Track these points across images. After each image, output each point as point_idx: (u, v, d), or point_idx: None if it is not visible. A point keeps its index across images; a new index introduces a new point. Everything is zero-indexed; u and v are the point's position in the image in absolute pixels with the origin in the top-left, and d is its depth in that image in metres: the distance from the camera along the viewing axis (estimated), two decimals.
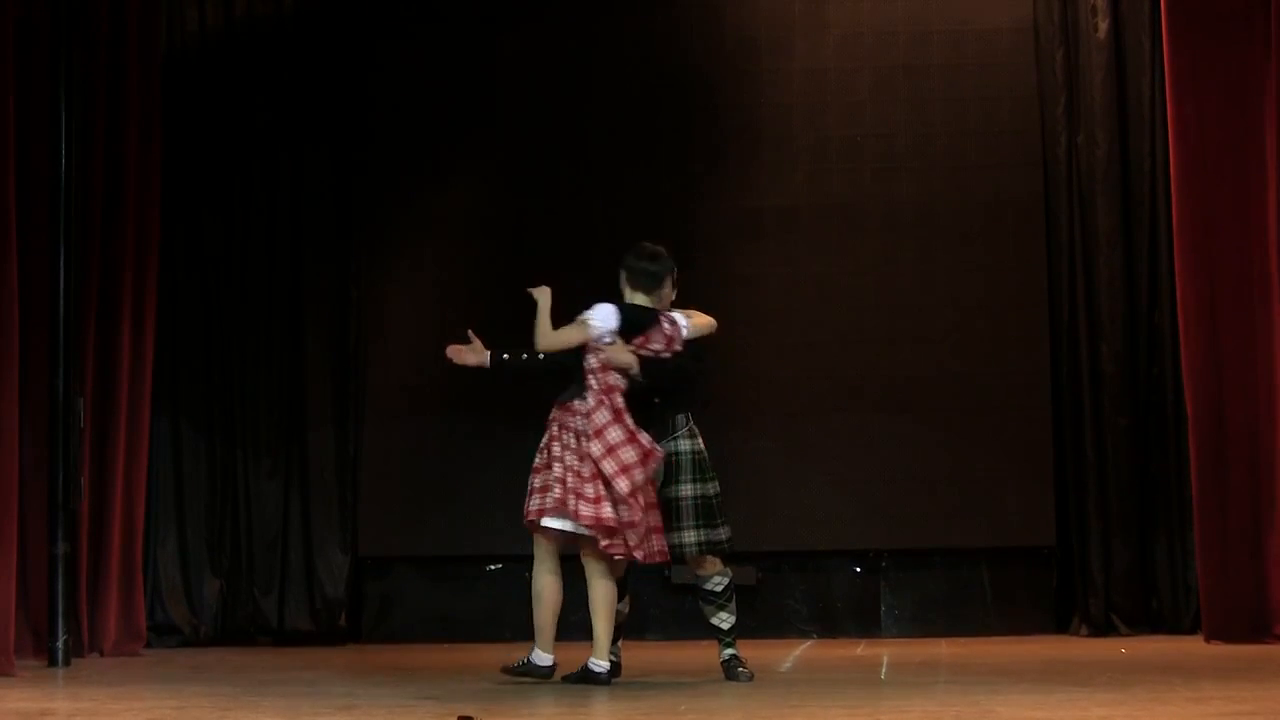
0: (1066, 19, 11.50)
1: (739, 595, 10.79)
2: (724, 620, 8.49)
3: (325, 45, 11.87)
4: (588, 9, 11.82)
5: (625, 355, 8.21)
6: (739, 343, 11.42)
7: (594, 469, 8.02)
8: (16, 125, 9.37)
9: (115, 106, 10.70)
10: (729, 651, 8.48)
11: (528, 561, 10.98)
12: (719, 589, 8.54)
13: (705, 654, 10.25)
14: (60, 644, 9.68)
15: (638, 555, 8.15)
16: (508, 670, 8.35)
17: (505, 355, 8.58)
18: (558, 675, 8.22)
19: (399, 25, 11.86)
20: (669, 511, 8.38)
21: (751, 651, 10.34)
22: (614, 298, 8.56)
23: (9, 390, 9.17)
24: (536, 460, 8.24)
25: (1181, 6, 10.40)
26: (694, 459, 8.51)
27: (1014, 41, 11.57)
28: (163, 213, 11.18)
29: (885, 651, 10.15)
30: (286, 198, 11.78)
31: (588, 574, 8.21)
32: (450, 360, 8.60)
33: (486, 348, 8.56)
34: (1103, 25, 11.39)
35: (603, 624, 8.17)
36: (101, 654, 10.43)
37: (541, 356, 8.40)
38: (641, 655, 10.36)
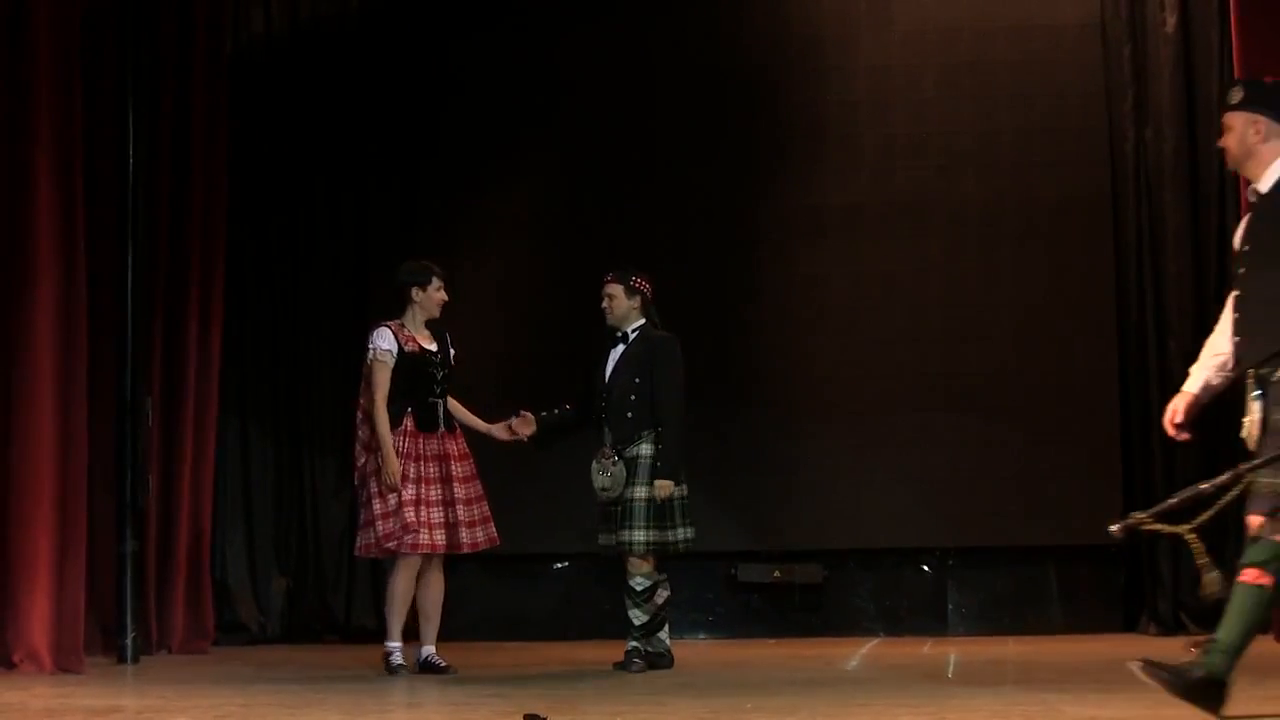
0: (1134, 14, 11.43)
1: (805, 593, 10.79)
2: (636, 617, 8.98)
3: (390, 45, 11.90)
4: (652, 8, 11.81)
5: None
6: (803, 340, 11.42)
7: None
8: (84, 128, 9.43)
9: (182, 108, 10.76)
10: (634, 644, 8.96)
11: (594, 560, 11.04)
12: (639, 588, 8.97)
13: (770, 652, 10.26)
14: (129, 641, 9.75)
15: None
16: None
17: (543, 414, 9.32)
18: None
19: (463, 25, 11.88)
20: (624, 510, 8.92)
21: (817, 649, 10.35)
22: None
23: (78, 391, 9.23)
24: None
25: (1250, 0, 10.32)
26: (652, 464, 8.98)
27: (1080, 37, 11.50)
28: (229, 214, 11.23)
29: (952, 650, 10.11)
30: (352, 198, 11.82)
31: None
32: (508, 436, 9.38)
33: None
34: (1170, 20, 11.31)
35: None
36: (169, 651, 10.49)
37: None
38: (707, 653, 10.37)
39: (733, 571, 11.28)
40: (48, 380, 9.05)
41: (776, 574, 11.34)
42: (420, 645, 8.98)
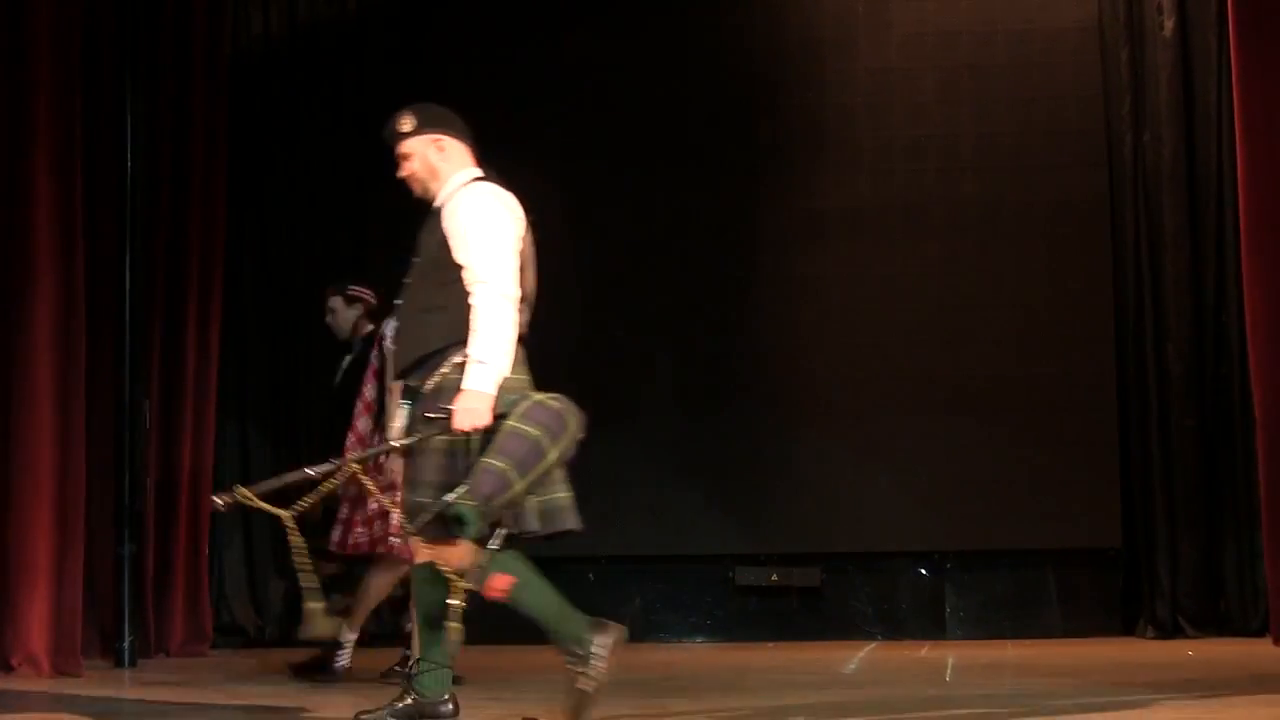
0: (1132, 17, 11.43)
1: (803, 596, 10.76)
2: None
3: (388, 47, 11.90)
4: (650, 10, 11.80)
5: None
6: (802, 343, 11.42)
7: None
8: (83, 128, 9.43)
9: (181, 109, 10.75)
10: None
11: (591, 563, 11.03)
12: None
13: (768, 655, 10.25)
14: (127, 645, 9.74)
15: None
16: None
17: None
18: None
19: (462, 27, 11.87)
20: None
21: (815, 653, 10.34)
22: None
23: (76, 392, 9.23)
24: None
25: (1248, 4, 10.31)
26: None
27: (1079, 40, 11.50)
28: (228, 215, 11.23)
29: (950, 653, 10.11)
30: (350, 200, 11.81)
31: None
32: None
33: None
34: (1169, 24, 11.31)
35: None
36: (167, 654, 10.48)
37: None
38: (705, 656, 10.37)
39: (730, 574, 11.26)
40: (46, 382, 9.04)
41: (774, 577, 11.34)
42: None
